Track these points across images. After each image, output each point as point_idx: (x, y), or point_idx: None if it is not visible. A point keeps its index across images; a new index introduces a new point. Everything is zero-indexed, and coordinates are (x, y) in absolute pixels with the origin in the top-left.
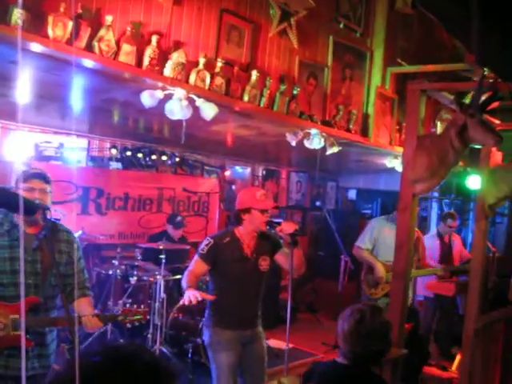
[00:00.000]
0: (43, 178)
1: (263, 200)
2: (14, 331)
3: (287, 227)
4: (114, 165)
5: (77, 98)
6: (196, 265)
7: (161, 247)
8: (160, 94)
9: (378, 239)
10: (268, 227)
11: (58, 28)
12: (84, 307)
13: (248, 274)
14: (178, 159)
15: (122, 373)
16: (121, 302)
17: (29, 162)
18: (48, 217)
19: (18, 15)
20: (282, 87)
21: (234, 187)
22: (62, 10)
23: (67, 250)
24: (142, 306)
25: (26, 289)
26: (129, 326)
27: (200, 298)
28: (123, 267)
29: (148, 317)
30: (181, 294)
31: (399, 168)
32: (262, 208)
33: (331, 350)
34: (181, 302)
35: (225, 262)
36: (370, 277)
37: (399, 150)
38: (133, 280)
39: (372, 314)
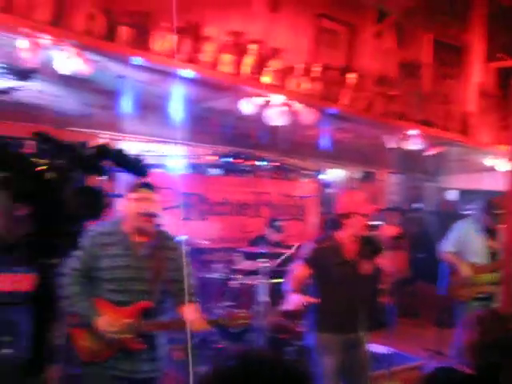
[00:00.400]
0: (150, 187)
1: (363, 204)
2: (128, 335)
3: (388, 230)
4: (214, 171)
5: (178, 108)
6: (299, 269)
7: (261, 251)
8: (259, 101)
9: (464, 241)
10: (369, 231)
11: (161, 42)
12: (191, 312)
13: (350, 278)
14: (274, 164)
15: (257, 378)
16: (223, 305)
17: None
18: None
19: (124, 33)
20: (380, 89)
21: (330, 190)
22: (164, 25)
23: (174, 256)
24: (245, 311)
25: (137, 295)
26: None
27: (305, 303)
28: (225, 271)
29: (251, 321)
30: (281, 297)
31: (501, 167)
32: (363, 212)
33: (434, 355)
34: (285, 307)
35: (327, 266)
36: (456, 278)
37: (503, 148)
38: (234, 283)
39: (496, 322)
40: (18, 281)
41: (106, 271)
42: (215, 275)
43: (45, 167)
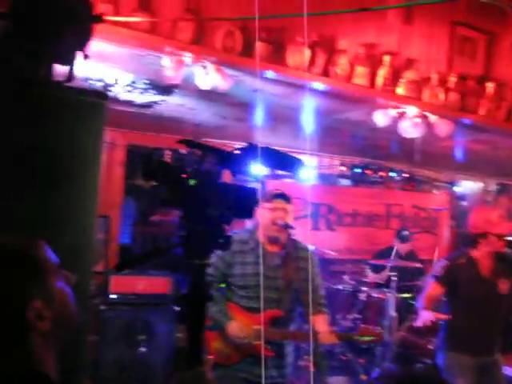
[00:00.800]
0: (285, 198)
1: (500, 223)
2: (256, 341)
3: None
4: (343, 182)
5: (309, 120)
6: (431, 287)
7: (389, 264)
8: (393, 113)
9: None
10: (507, 248)
11: (296, 56)
12: (320, 323)
13: (486, 297)
14: (406, 175)
15: None
16: (350, 317)
17: (264, 181)
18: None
19: (259, 48)
20: None
21: (464, 203)
22: (299, 40)
23: (305, 267)
24: (377, 327)
25: (267, 303)
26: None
27: (435, 320)
28: (353, 282)
29: (381, 338)
30: (410, 312)
31: None
32: (500, 233)
33: None
34: (417, 323)
35: (461, 283)
36: None
37: None
38: (362, 296)
39: None
40: (153, 283)
41: (238, 278)
42: (342, 287)
43: (189, 173)
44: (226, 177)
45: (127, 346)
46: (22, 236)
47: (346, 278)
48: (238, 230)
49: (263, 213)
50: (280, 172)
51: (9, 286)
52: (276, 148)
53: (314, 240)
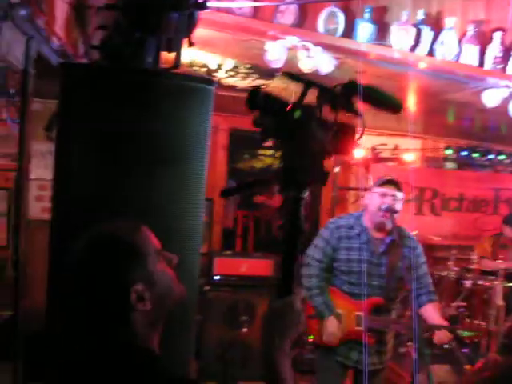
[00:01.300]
0: (396, 185)
1: None
2: (357, 327)
3: None
4: (449, 165)
5: (413, 101)
6: None
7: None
8: (503, 93)
9: None
10: None
11: (401, 36)
12: (431, 314)
13: None
14: None
15: None
16: (454, 304)
17: (367, 164)
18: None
19: (363, 29)
20: None
21: None
22: (404, 18)
23: (409, 255)
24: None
25: (370, 289)
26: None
27: None
28: (457, 269)
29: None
30: None
31: None
32: None
33: None
34: None
35: None
36: None
37: None
38: (467, 283)
39: None
40: (256, 265)
41: (342, 263)
42: (447, 273)
43: (294, 106)
44: (327, 112)
45: (230, 327)
46: (124, 222)
47: (450, 264)
48: (344, 215)
49: (372, 198)
50: (378, 110)
51: (112, 272)
52: (378, 89)
53: (418, 225)
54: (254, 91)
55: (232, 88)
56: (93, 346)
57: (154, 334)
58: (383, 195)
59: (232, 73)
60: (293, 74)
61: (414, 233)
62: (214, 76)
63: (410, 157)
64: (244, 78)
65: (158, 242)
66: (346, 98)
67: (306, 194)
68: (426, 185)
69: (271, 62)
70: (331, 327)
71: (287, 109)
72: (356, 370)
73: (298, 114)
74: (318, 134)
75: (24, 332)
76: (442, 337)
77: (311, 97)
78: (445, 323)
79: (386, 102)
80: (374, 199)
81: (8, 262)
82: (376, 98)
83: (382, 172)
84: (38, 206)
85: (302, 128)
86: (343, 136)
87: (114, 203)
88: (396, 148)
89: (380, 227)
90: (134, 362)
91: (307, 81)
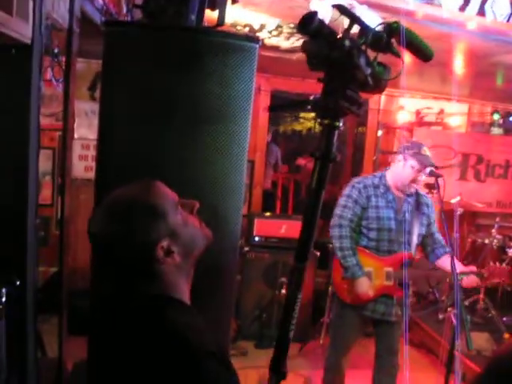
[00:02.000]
0: (431, 163)
1: None
2: (387, 282)
3: None
4: (496, 130)
5: (460, 63)
6: None
7: None
8: None
9: None
10: None
11: None
12: (448, 263)
13: None
14: None
15: None
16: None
17: (410, 128)
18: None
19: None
20: None
21: None
22: None
23: (428, 212)
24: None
25: (397, 245)
26: None
27: None
28: (501, 237)
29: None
30: None
31: None
32: None
33: None
34: None
35: None
36: None
37: None
38: (510, 252)
39: None
40: (295, 227)
41: (372, 221)
42: (489, 241)
43: (343, 36)
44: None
45: (268, 287)
46: (137, 183)
47: (493, 232)
48: (367, 175)
49: (405, 165)
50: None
51: (135, 234)
52: (416, 34)
53: (461, 191)
54: (311, 15)
55: (275, 48)
56: (126, 303)
57: (186, 285)
58: (417, 170)
59: (275, 33)
60: (343, 7)
61: (456, 198)
62: (257, 36)
63: (455, 121)
64: (287, 39)
65: (174, 194)
66: (387, 38)
67: (341, 124)
68: (470, 150)
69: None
70: (364, 286)
71: (338, 37)
72: (379, 321)
73: (347, 42)
74: (362, 66)
75: (68, 287)
76: (470, 281)
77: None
78: (471, 268)
79: (420, 48)
80: (406, 168)
81: (53, 220)
82: (411, 41)
83: (426, 136)
84: (81, 165)
85: (349, 58)
86: (381, 75)
87: (158, 162)
88: (441, 112)
89: (403, 187)
90: (167, 317)
91: (354, 16)
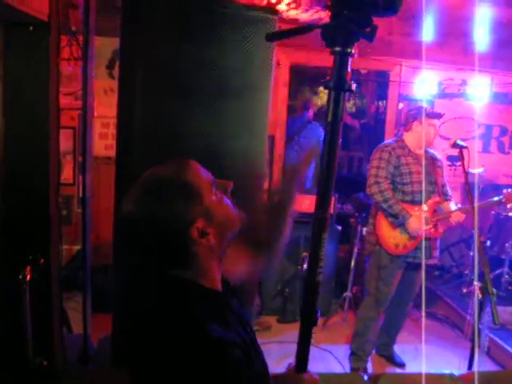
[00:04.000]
0: (441, 117)
1: None
2: (426, 226)
3: None
4: None
5: (481, 33)
6: None
7: None
8: None
9: None
10: None
11: None
12: (448, 205)
13: None
14: None
15: None
16: None
17: (432, 100)
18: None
19: None
20: None
21: None
22: None
23: (441, 165)
24: None
25: (427, 194)
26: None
27: None
28: None
29: None
30: None
31: None
32: None
33: None
34: None
35: None
36: None
37: None
38: None
39: None
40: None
41: (405, 176)
42: None
43: None
44: None
45: (290, 263)
46: (171, 163)
47: None
48: (388, 140)
49: (427, 129)
50: None
51: (171, 214)
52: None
53: (484, 163)
54: None
55: (293, 21)
56: (154, 284)
57: (218, 269)
58: (430, 126)
59: (293, 5)
60: None
61: (480, 170)
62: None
63: (477, 92)
64: (306, 11)
65: (208, 173)
66: None
67: (353, 50)
68: (493, 122)
69: None
70: (417, 222)
71: None
72: (417, 265)
73: None
74: None
75: (92, 265)
76: (456, 216)
77: None
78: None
79: None
80: (428, 129)
81: (75, 199)
82: None
83: (448, 108)
84: (102, 143)
85: None
86: None
87: (180, 137)
88: (463, 83)
89: (421, 147)
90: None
91: None
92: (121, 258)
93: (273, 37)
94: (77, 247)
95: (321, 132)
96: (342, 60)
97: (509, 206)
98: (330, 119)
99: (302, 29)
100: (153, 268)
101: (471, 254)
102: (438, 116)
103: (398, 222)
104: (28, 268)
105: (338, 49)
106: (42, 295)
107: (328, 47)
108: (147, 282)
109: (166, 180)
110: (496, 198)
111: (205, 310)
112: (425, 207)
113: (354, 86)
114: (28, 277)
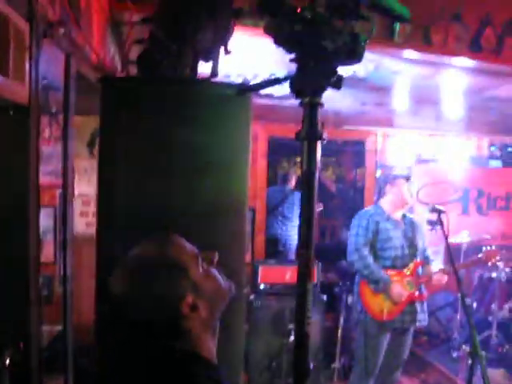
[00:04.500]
0: (409, 178)
1: None
2: (411, 290)
3: None
4: (494, 163)
5: (453, 99)
6: None
7: None
8: None
9: None
10: None
11: (438, 34)
12: (430, 268)
13: None
14: None
15: None
16: (506, 306)
17: (409, 166)
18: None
19: (398, 29)
20: None
21: None
22: (440, 15)
23: (421, 230)
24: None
25: (408, 258)
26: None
27: None
28: (508, 270)
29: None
30: None
31: None
32: None
33: None
34: None
35: None
36: None
37: None
38: None
39: None
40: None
41: (384, 242)
42: (497, 274)
43: (303, 9)
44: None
45: (276, 336)
46: (154, 239)
47: (500, 265)
48: (366, 208)
49: (400, 188)
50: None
51: (159, 293)
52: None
53: (464, 225)
54: None
55: (269, 96)
56: (146, 359)
57: (212, 341)
58: (403, 186)
59: None
60: None
61: (463, 233)
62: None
63: (452, 157)
64: (281, 85)
65: (192, 246)
66: (355, 4)
67: (321, 100)
68: (470, 184)
69: None
70: (399, 288)
71: (298, 11)
72: (404, 329)
73: (308, 14)
74: (329, 35)
75: (73, 346)
76: (438, 278)
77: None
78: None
79: (394, 10)
80: (402, 191)
81: (56, 278)
82: (384, 5)
83: (425, 173)
84: (83, 221)
85: (314, 31)
86: (356, 42)
87: (158, 213)
88: (438, 148)
89: (399, 212)
90: (194, 373)
91: None
92: (105, 338)
93: (245, 89)
94: (58, 327)
95: None
96: (311, 110)
97: (490, 264)
98: (305, 168)
99: (271, 81)
100: (148, 345)
101: (458, 317)
102: (406, 177)
103: (380, 287)
104: (7, 353)
105: (306, 99)
106: (22, 379)
107: (297, 98)
108: (143, 359)
109: (151, 259)
110: (476, 257)
111: (208, 379)
112: (407, 271)
113: (325, 135)
114: (7, 362)
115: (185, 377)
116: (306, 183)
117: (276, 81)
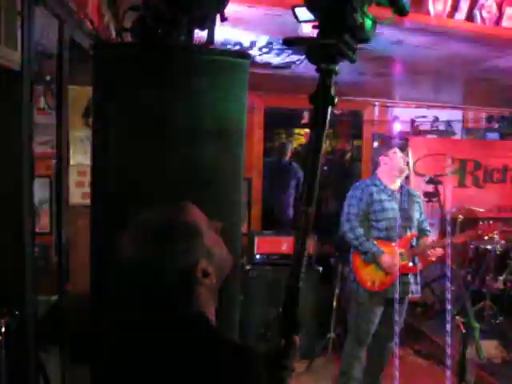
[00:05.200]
0: (405, 148)
1: None
2: (403, 262)
3: None
4: (491, 135)
5: (452, 70)
6: None
7: None
8: None
9: None
10: None
11: (439, 3)
12: (426, 241)
13: None
14: None
15: None
16: (501, 278)
17: (407, 137)
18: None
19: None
20: None
21: None
22: None
23: (419, 201)
24: None
25: (403, 230)
26: None
27: None
28: (503, 242)
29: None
30: None
31: None
32: None
33: None
34: None
35: None
36: None
37: None
38: None
39: None
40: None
41: (378, 213)
42: (492, 246)
43: None
44: None
45: (272, 305)
46: (171, 205)
47: (496, 237)
48: (361, 180)
49: (393, 159)
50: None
51: (175, 256)
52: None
53: (461, 198)
54: None
55: (266, 65)
56: (151, 326)
57: (214, 306)
58: (402, 158)
59: (266, 50)
60: None
61: (457, 205)
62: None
63: (450, 128)
64: (278, 55)
65: (203, 214)
66: None
67: (337, 67)
68: (467, 156)
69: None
70: (389, 260)
71: None
72: (395, 300)
73: None
74: (355, 11)
75: (69, 316)
76: (435, 252)
77: None
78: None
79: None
80: (395, 160)
81: (53, 248)
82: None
83: (422, 145)
84: (78, 191)
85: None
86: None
87: (154, 183)
88: (436, 120)
89: (395, 182)
90: (202, 340)
91: None
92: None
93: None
94: (55, 297)
95: (300, 173)
96: (326, 77)
97: (486, 237)
98: (316, 128)
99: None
100: (159, 310)
101: (452, 288)
102: (400, 147)
103: (369, 258)
104: (3, 320)
105: (323, 65)
106: (17, 348)
107: (312, 63)
108: (155, 325)
109: (168, 221)
110: (473, 231)
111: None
112: (400, 243)
113: (337, 101)
114: (2, 330)
115: (208, 333)
116: (314, 143)
117: (297, 41)
